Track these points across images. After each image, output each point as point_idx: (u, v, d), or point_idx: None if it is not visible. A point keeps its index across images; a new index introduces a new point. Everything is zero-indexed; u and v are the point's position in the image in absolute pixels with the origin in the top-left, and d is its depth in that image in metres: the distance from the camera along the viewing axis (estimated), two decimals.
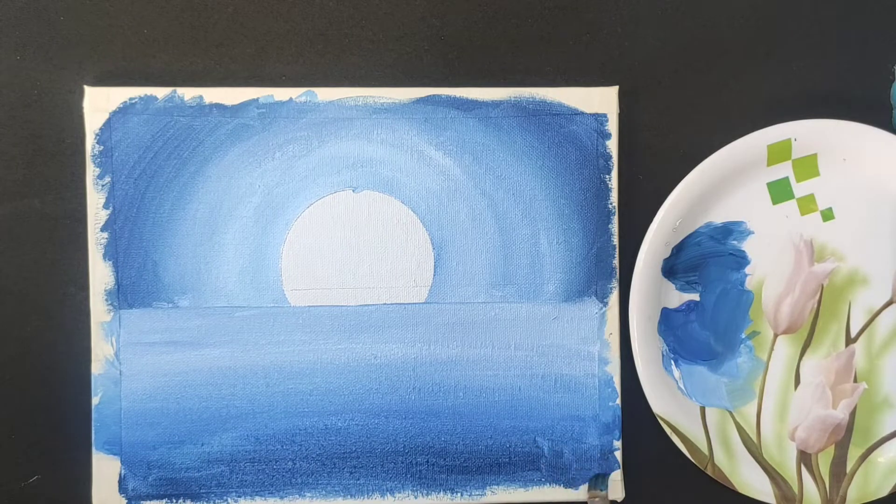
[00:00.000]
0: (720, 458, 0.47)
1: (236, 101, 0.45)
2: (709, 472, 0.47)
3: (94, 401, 0.45)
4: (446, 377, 0.46)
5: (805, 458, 0.47)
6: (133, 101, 0.45)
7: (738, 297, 0.47)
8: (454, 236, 0.46)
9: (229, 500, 0.45)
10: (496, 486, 0.46)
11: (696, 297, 0.47)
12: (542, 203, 0.46)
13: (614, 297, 0.46)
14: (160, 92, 0.45)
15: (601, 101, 0.46)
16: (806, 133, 0.46)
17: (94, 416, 0.45)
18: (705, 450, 0.47)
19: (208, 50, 0.46)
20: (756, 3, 0.47)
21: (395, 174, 0.46)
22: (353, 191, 0.46)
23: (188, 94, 0.45)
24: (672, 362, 0.47)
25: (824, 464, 0.47)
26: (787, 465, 0.47)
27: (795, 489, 0.47)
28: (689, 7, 0.47)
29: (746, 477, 0.47)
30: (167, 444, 0.45)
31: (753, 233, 0.47)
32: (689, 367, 0.47)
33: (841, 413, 0.47)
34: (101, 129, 0.45)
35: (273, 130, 0.45)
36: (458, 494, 0.46)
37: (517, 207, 0.46)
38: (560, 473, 0.46)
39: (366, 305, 0.46)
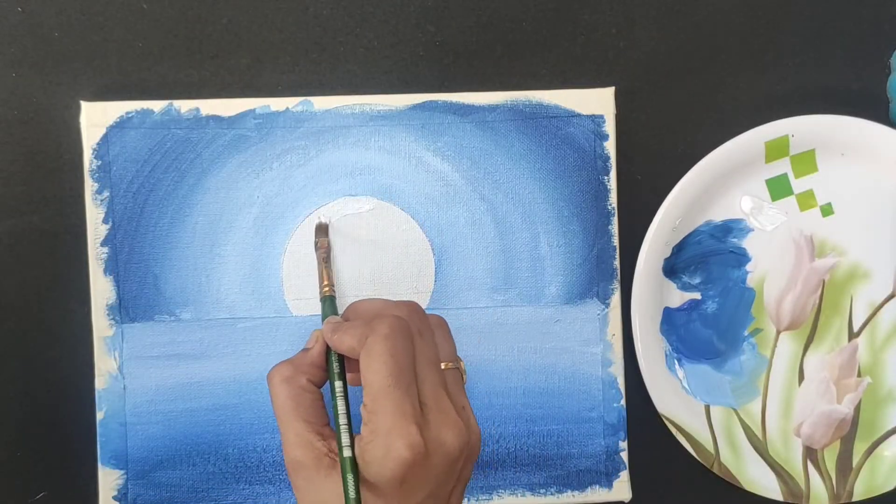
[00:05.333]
0: (726, 457, 0.47)
1: (233, 113, 0.45)
2: (715, 470, 0.47)
3: (99, 415, 0.45)
4: None
5: (811, 454, 0.47)
6: (130, 115, 0.45)
7: (739, 294, 0.47)
8: (454, 241, 0.46)
9: None
10: (502, 491, 0.46)
11: (697, 295, 0.47)
12: (541, 206, 0.46)
13: (616, 298, 0.46)
14: (156, 105, 0.45)
15: (598, 102, 0.46)
16: (803, 129, 0.46)
17: (98, 430, 0.45)
18: (711, 448, 0.47)
19: (203, 62, 0.46)
20: (750, 0, 0.47)
21: (393, 181, 0.46)
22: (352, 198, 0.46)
23: (184, 106, 0.45)
24: (675, 361, 0.47)
25: (830, 459, 0.47)
26: (793, 461, 0.47)
27: (802, 485, 0.47)
28: (683, 6, 0.47)
29: (753, 474, 0.47)
30: (173, 457, 0.45)
31: (753, 230, 0.47)
32: (692, 365, 0.47)
33: (845, 408, 0.47)
34: (98, 143, 0.44)
35: (270, 140, 0.45)
36: (465, 499, 0.46)
37: (516, 211, 0.46)
38: (566, 476, 0.46)
39: None
